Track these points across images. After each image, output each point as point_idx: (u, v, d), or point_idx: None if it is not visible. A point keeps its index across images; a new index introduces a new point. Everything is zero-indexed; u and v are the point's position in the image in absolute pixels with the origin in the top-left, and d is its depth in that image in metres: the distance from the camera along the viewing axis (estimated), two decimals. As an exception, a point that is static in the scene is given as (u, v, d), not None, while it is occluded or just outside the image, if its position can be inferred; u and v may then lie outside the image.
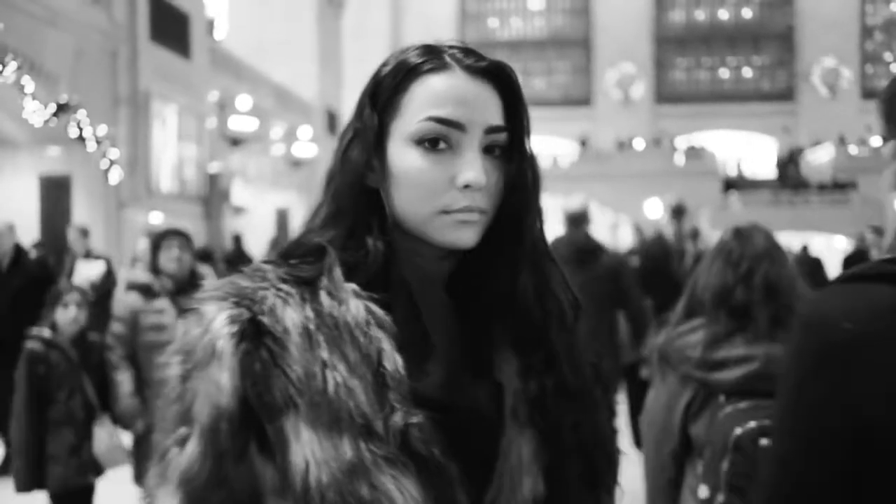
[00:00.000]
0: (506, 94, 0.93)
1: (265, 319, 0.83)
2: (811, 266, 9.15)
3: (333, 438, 0.80)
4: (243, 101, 17.21)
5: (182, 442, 0.83)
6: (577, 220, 4.48)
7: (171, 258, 4.03)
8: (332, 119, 23.28)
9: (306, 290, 0.87)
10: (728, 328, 2.07)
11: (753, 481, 1.87)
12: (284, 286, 0.87)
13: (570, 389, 0.94)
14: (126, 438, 4.12)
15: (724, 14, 35.41)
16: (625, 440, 5.15)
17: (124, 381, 3.95)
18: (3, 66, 9.18)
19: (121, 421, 3.98)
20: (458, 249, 0.92)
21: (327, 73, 23.61)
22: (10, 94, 9.71)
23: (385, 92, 0.92)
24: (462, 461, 0.84)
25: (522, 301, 0.94)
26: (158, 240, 4.10)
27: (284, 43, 22.67)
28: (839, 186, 24.92)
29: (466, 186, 0.89)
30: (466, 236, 0.90)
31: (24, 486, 3.66)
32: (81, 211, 12.28)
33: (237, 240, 13.10)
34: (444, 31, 33.36)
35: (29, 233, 10.07)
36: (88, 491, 3.82)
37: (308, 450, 0.80)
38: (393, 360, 0.84)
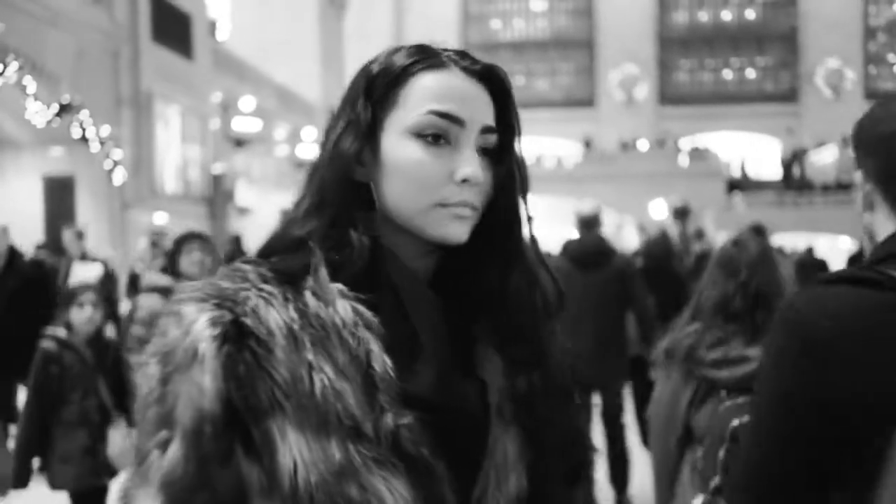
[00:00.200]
0: (498, 96, 0.95)
1: (248, 321, 0.83)
2: (815, 268, 9.12)
3: (322, 441, 0.80)
4: (246, 101, 17.24)
5: (163, 445, 0.82)
6: (590, 224, 4.69)
7: (192, 261, 4.02)
8: (335, 120, 23.19)
9: (289, 289, 0.86)
10: (727, 332, 2.23)
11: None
12: (266, 286, 0.86)
13: (555, 387, 0.96)
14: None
15: (727, 15, 35.39)
16: (633, 438, 5.13)
17: None
18: (5, 67, 9.19)
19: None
20: (448, 245, 0.92)
21: (330, 73, 23.64)
22: (12, 94, 9.73)
23: (381, 85, 0.92)
24: (451, 460, 0.85)
25: (514, 299, 0.95)
26: (179, 243, 4.09)
27: (287, 44, 22.71)
28: (843, 187, 24.84)
29: (464, 181, 0.90)
30: (460, 231, 0.91)
31: (15, 482, 3.65)
32: (85, 211, 12.30)
33: (236, 240, 13.10)
34: (446, 32, 33.36)
35: (33, 234, 10.07)
36: (102, 492, 3.82)
37: (296, 451, 0.79)
38: (381, 362, 0.84)
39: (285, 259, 0.90)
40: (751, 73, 35.08)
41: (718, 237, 10.00)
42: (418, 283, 0.93)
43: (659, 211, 20.84)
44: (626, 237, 16.92)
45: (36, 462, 3.73)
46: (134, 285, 7.09)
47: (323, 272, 0.87)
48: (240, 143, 17.29)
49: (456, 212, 0.90)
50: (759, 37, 35.00)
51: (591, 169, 27.30)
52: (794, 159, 27.54)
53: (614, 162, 27.87)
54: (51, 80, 10.42)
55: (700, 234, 8.41)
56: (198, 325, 0.82)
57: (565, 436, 0.97)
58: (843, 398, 1.02)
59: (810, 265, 9.28)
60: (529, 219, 0.98)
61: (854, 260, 10.07)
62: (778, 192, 26.06)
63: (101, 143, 11.11)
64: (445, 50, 0.95)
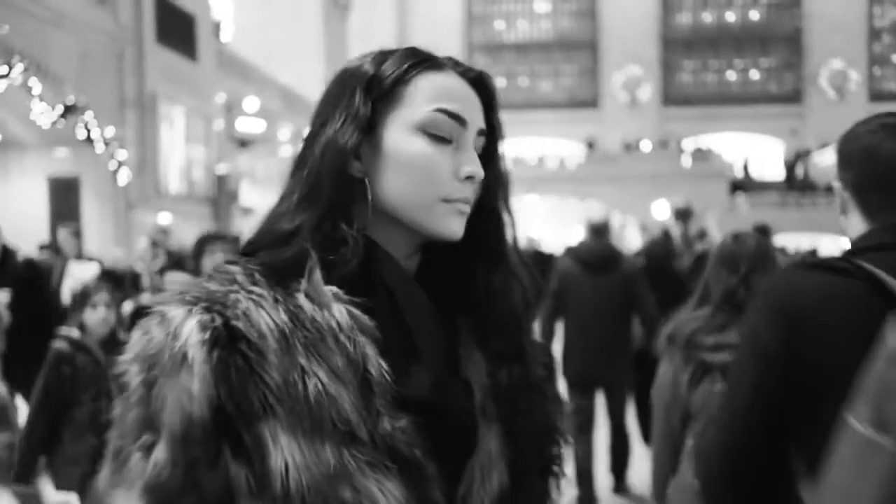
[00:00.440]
0: (487, 102, 0.98)
1: (239, 324, 0.81)
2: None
3: (315, 445, 0.80)
4: (250, 102, 17.27)
5: (147, 448, 0.81)
6: (600, 231, 4.93)
7: (216, 262, 3.97)
8: (338, 121, 23.21)
9: (279, 290, 0.86)
10: (725, 320, 2.40)
11: None
12: (255, 288, 0.85)
13: (534, 381, 0.99)
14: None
15: (731, 16, 35.37)
16: (634, 438, 5.23)
17: None
18: (10, 68, 9.24)
19: None
20: (444, 240, 0.93)
21: (333, 74, 23.64)
22: (17, 95, 9.77)
23: (383, 82, 0.93)
24: (444, 459, 0.85)
25: (499, 297, 0.97)
26: (202, 244, 4.03)
27: (290, 45, 22.75)
28: (846, 188, 24.81)
29: (468, 178, 0.92)
30: (458, 227, 0.93)
31: (16, 477, 3.64)
32: (90, 212, 12.33)
33: (236, 240, 13.10)
34: (450, 33, 33.40)
35: (38, 234, 10.10)
36: None
37: (288, 454, 0.79)
38: (377, 365, 0.84)
39: (272, 254, 0.89)
40: (754, 75, 35.05)
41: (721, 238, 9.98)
42: (413, 285, 0.93)
43: (662, 211, 20.85)
44: (628, 237, 16.93)
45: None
46: (135, 285, 7.02)
47: (318, 275, 0.86)
48: (244, 143, 17.33)
49: (458, 207, 0.92)
50: (762, 38, 34.99)
51: (594, 170, 27.32)
52: (797, 160, 27.54)
53: (617, 163, 27.87)
54: (56, 81, 10.46)
55: (702, 235, 8.42)
56: (185, 328, 0.80)
57: (542, 430, 0.99)
58: (809, 355, 1.23)
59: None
60: (513, 219, 1.00)
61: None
62: (781, 193, 26.05)
63: (106, 143, 11.15)
64: (435, 56, 0.97)
